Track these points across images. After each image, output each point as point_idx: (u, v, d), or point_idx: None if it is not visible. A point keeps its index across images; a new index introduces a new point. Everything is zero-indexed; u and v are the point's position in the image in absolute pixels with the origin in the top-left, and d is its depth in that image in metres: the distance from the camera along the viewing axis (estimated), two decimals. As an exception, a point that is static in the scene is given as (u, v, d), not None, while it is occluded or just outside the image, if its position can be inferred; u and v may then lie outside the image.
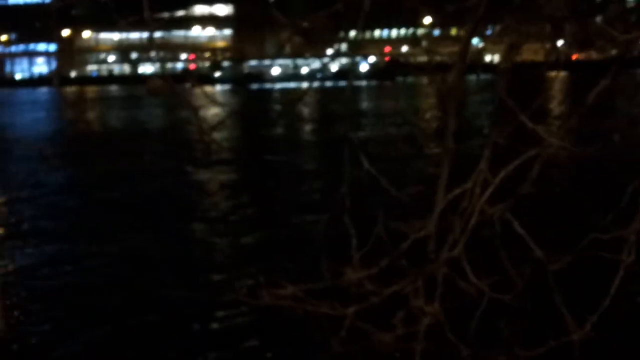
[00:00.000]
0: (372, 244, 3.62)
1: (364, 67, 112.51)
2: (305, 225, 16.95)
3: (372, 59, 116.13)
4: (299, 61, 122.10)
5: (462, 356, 3.68)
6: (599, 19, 3.94)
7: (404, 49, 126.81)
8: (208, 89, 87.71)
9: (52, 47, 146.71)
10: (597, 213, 4.07)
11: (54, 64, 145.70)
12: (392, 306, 3.59)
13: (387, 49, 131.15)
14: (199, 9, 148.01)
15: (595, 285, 4.11)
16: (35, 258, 15.85)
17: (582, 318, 3.72)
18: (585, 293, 5.19)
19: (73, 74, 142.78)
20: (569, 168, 22.99)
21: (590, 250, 3.86)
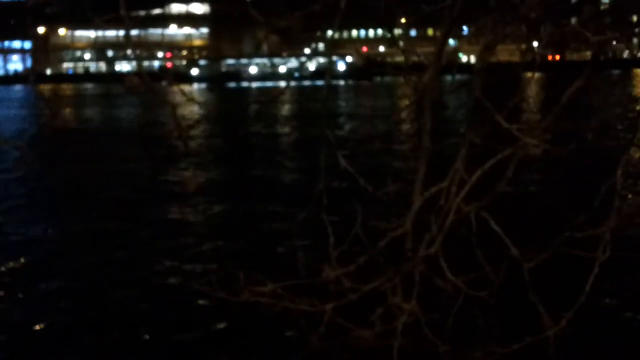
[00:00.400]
0: (349, 241, 3.65)
1: (341, 67, 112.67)
2: (283, 223, 16.96)
3: (349, 58, 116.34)
4: (277, 60, 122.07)
5: (439, 352, 3.72)
6: (573, 20, 3.99)
7: (381, 48, 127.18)
8: (185, 87, 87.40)
9: (27, 45, 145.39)
10: (572, 211, 4.12)
11: (29, 62, 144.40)
12: (370, 303, 3.62)
13: (364, 49, 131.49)
14: (176, 7, 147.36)
15: (571, 282, 4.17)
16: None
17: (557, 315, 3.77)
18: (560, 290, 5.26)
19: (48, 71, 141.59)
20: (544, 167, 23.20)
21: (565, 248, 3.91)
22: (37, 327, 11.53)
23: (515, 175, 3.85)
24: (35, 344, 10.91)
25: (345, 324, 3.55)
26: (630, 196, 17.72)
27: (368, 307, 3.63)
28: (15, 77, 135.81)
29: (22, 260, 15.51)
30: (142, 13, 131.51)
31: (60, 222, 19.63)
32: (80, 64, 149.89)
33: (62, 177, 26.81)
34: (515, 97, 4.16)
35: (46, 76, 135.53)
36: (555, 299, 3.93)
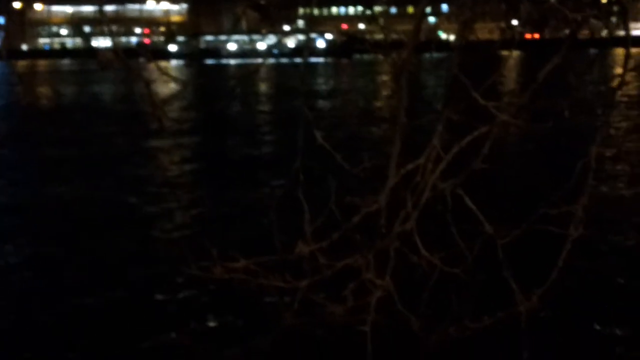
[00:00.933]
0: (324, 217, 3.65)
1: (320, 44, 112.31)
2: (258, 199, 16.94)
3: (329, 36, 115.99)
4: (256, 37, 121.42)
5: (413, 328, 3.75)
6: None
7: (361, 26, 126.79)
8: (162, 63, 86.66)
9: (1, 20, 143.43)
10: (546, 189, 4.15)
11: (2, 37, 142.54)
12: (345, 279, 3.63)
13: (344, 26, 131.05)
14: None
15: (543, 259, 4.20)
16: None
17: (529, 291, 3.81)
18: (533, 266, 5.30)
19: (24, 47, 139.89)
20: (520, 144, 23.32)
21: (538, 225, 3.94)
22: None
23: (490, 152, 3.86)
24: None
25: (319, 300, 3.56)
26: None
27: (342, 284, 3.63)
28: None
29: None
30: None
31: (29, 189, 19.48)
32: (56, 40, 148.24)
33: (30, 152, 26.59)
34: (494, 75, 4.16)
35: (22, 52, 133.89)
36: (528, 275, 3.96)
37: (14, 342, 10.04)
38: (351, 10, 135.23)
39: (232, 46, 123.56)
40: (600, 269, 12.09)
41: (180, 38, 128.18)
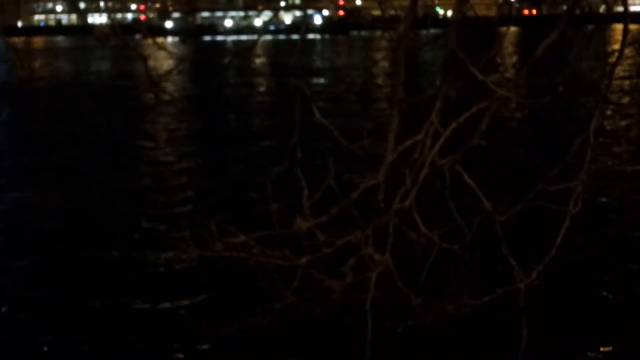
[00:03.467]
0: (322, 193, 3.63)
1: (317, 21, 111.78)
2: (256, 175, 16.93)
3: (325, 12, 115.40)
4: (252, 13, 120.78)
5: (412, 305, 3.75)
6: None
7: (358, 2, 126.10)
8: (159, 40, 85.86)
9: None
10: (545, 165, 4.14)
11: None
12: (344, 256, 3.62)
13: (341, 2, 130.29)
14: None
15: (542, 235, 4.20)
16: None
17: (528, 267, 3.81)
18: (532, 243, 5.30)
19: (19, 24, 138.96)
20: (518, 120, 23.29)
21: (537, 202, 3.93)
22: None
23: (489, 128, 3.85)
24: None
25: (319, 276, 3.55)
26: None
27: (341, 260, 3.63)
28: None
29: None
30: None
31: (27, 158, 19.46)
32: (52, 17, 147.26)
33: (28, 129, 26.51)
34: (491, 51, 4.14)
35: (17, 29, 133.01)
36: (527, 252, 3.96)
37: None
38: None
39: (228, 22, 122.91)
40: (599, 245, 12.12)
41: (176, 14, 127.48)
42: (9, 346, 9.33)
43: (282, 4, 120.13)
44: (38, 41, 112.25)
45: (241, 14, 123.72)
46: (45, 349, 9.20)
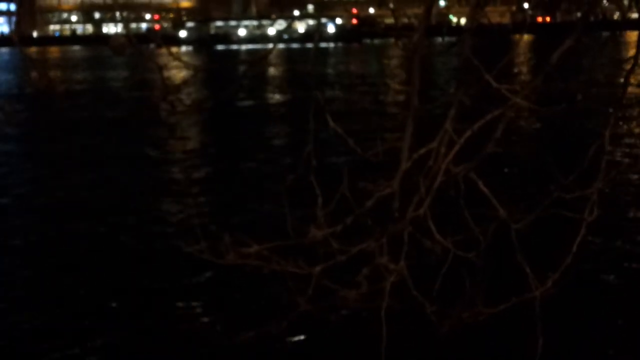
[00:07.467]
0: (336, 202, 3.63)
1: (330, 29, 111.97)
2: (271, 184, 16.94)
3: (339, 20, 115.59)
4: (265, 22, 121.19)
5: (427, 313, 3.74)
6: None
7: (371, 10, 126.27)
8: (173, 49, 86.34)
9: (13, 7, 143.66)
10: (560, 172, 4.12)
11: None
12: (358, 264, 3.62)
13: (354, 10, 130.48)
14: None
15: (557, 243, 4.18)
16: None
17: (543, 275, 3.79)
18: (547, 251, 5.27)
19: (35, 34, 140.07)
20: (533, 128, 23.21)
21: (553, 209, 3.92)
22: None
23: (503, 135, 3.84)
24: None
25: (333, 285, 3.55)
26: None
27: (356, 269, 3.63)
28: (1, 40, 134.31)
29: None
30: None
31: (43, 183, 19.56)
32: (67, 27, 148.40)
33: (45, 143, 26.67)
34: (505, 59, 4.13)
35: (33, 39, 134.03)
36: (542, 259, 3.95)
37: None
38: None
39: (241, 31, 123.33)
40: (615, 253, 12.04)
41: (190, 24, 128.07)
42: (15, 344, 9.37)
43: (296, 13, 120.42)
44: (54, 51, 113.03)
45: (255, 23, 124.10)
46: (60, 348, 9.22)
